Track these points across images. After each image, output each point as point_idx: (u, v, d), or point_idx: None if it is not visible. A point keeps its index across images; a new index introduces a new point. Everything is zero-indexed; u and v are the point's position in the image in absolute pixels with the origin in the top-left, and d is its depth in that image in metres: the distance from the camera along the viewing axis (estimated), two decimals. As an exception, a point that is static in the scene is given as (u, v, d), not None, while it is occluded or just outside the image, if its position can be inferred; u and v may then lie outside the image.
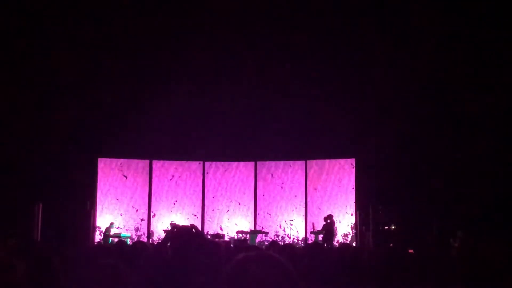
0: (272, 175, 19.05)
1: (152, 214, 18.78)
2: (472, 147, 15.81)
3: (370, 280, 4.22)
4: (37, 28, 15.51)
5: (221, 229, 18.86)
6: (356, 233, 17.41)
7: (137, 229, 18.60)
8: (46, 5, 15.04)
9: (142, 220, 18.72)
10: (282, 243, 17.21)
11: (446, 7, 14.82)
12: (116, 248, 5.75)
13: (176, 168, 19.19)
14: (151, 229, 18.71)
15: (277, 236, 18.42)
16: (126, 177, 18.86)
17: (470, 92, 15.68)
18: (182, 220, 18.68)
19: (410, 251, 8.37)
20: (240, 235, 18.31)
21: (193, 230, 3.49)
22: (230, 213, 19.03)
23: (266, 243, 18.02)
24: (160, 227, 18.59)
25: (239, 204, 19.09)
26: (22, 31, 15.42)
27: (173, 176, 19.09)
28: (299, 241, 18.29)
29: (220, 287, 2.07)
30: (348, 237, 17.86)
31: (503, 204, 14.74)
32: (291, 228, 18.62)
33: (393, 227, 17.04)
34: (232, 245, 12.09)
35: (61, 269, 3.67)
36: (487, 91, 15.42)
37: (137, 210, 18.70)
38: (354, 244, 17.32)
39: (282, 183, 18.95)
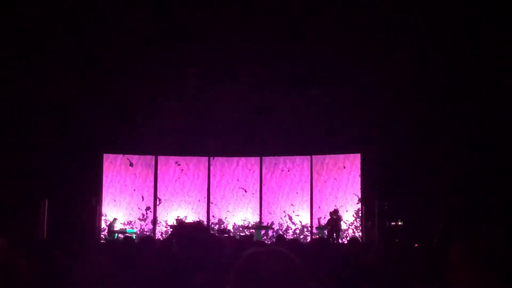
0: (280, 168, 19.09)
1: (157, 202, 18.85)
2: (478, 143, 15.76)
3: (376, 276, 4.21)
4: (43, 26, 15.53)
5: (226, 224, 18.92)
6: (362, 227, 17.43)
7: (142, 219, 18.67)
8: (52, 5, 15.07)
9: (147, 209, 18.77)
10: (283, 233, 17.49)
11: (452, 7, 14.77)
12: (124, 244, 5.76)
13: (181, 163, 19.24)
14: (157, 218, 18.81)
15: (280, 226, 18.54)
16: (132, 165, 18.90)
17: (478, 87, 15.62)
18: (188, 213, 18.78)
19: (415, 245, 8.36)
20: (246, 230, 18.37)
21: (199, 226, 3.49)
22: (236, 207, 19.07)
23: (270, 233, 18.21)
24: (164, 214, 18.72)
25: (245, 192, 19.11)
26: (27, 30, 15.44)
27: (179, 164, 19.13)
28: (304, 233, 18.38)
29: (226, 283, 2.06)
30: (352, 227, 17.89)
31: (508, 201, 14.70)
32: (296, 222, 18.68)
33: (399, 223, 17.02)
34: (237, 238, 12.14)
35: (67, 265, 3.68)
36: (494, 86, 15.37)
37: (143, 199, 18.74)
38: (358, 235, 17.42)
39: (288, 173, 18.98)
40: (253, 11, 15.81)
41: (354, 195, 18.10)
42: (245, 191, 19.11)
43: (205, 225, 16.68)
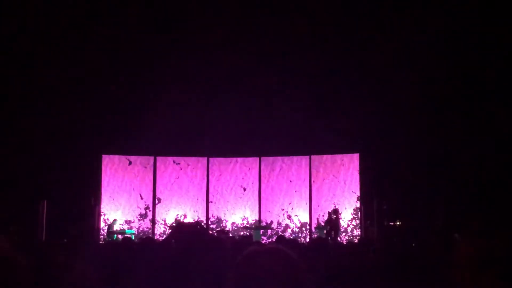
0: (279, 167, 19.11)
1: (156, 201, 18.87)
2: (478, 143, 15.77)
3: (375, 275, 4.21)
4: (42, 27, 15.52)
5: (225, 224, 18.92)
6: (360, 227, 17.44)
7: (141, 218, 18.66)
8: (53, 7, 15.07)
9: (146, 208, 18.78)
10: (282, 232, 17.52)
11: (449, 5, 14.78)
12: (123, 245, 5.75)
13: (180, 163, 19.25)
14: (156, 218, 18.83)
15: (280, 225, 18.58)
16: (130, 163, 18.91)
17: (478, 87, 15.64)
18: (187, 213, 18.80)
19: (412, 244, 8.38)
20: (244, 231, 18.37)
21: (198, 227, 3.48)
22: (235, 207, 19.07)
23: (269, 233, 18.24)
24: (163, 214, 18.74)
25: (244, 190, 19.12)
26: (27, 30, 15.43)
27: (178, 163, 19.14)
28: (303, 232, 18.40)
29: (226, 283, 2.06)
30: (351, 226, 17.91)
31: (507, 199, 14.70)
32: (295, 221, 18.71)
33: (398, 223, 17.03)
34: (237, 238, 12.13)
35: (66, 265, 3.67)
36: (495, 86, 15.38)
37: (141, 198, 18.75)
38: (358, 232, 17.47)
39: (287, 173, 18.99)
40: (253, 14, 15.81)
41: (353, 193, 18.12)
42: (244, 190, 19.12)
43: (204, 226, 16.67)
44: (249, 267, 2.00)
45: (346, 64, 16.68)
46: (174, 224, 17.40)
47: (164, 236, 17.79)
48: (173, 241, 3.49)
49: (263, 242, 14.52)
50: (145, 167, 19.03)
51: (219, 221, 18.99)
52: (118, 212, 18.51)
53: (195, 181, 19.25)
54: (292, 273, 1.98)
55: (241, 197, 19.12)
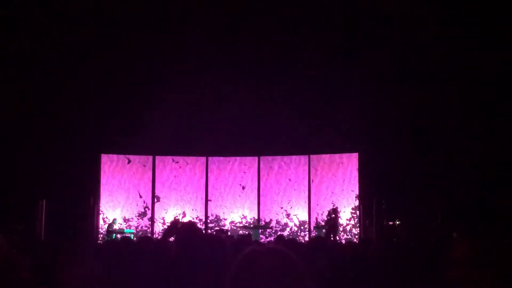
0: (278, 165, 19.13)
1: (155, 199, 18.90)
2: (477, 142, 15.77)
3: (374, 275, 4.21)
4: (43, 27, 15.52)
5: (224, 223, 18.94)
6: (359, 227, 17.45)
7: (140, 216, 18.70)
8: (54, 7, 15.08)
9: (146, 207, 18.82)
10: (281, 231, 17.54)
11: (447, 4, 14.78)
12: (122, 244, 5.74)
13: (179, 161, 19.27)
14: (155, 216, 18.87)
15: (279, 224, 18.60)
16: (129, 161, 18.93)
17: (477, 87, 15.64)
18: (186, 211, 18.83)
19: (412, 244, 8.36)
20: (243, 230, 18.38)
21: (195, 226, 3.49)
22: (234, 206, 19.09)
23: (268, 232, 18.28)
24: (162, 212, 18.77)
25: (243, 188, 19.14)
26: (27, 30, 15.43)
27: (177, 162, 19.16)
28: (302, 231, 18.42)
29: (226, 281, 2.06)
30: (350, 224, 17.93)
31: (507, 199, 14.71)
32: (294, 221, 18.73)
33: (397, 223, 17.03)
34: (235, 237, 12.14)
35: (65, 265, 3.67)
36: (494, 85, 15.38)
37: (140, 196, 18.79)
38: (356, 231, 17.50)
39: (286, 172, 19.01)
40: (253, 13, 15.80)
41: (352, 192, 18.13)
42: (243, 188, 19.15)
43: (199, 227, 16.67)
44: (249, 267, 2.00)
45: (346, 64, 16.67)
46: (171, 224, 17.42)
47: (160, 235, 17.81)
48: (171, 239, 3.49)
49: (262, 241, 14.58)
50: (144, 166, 19.06)
51: (217, 219, 19.00)
52: (117, 211, 18.54)
53: (194, 179, 19.27)
54: (291, 273, 1.98)
55: (240, 196, 19.14)
